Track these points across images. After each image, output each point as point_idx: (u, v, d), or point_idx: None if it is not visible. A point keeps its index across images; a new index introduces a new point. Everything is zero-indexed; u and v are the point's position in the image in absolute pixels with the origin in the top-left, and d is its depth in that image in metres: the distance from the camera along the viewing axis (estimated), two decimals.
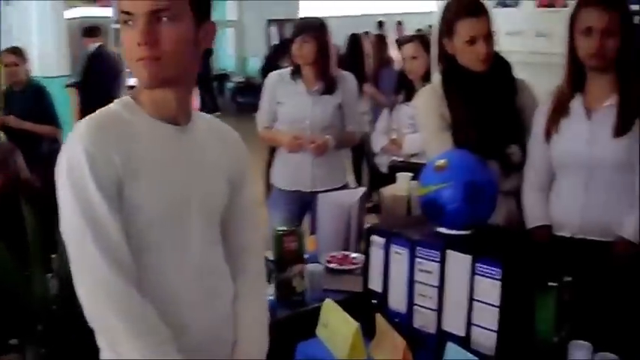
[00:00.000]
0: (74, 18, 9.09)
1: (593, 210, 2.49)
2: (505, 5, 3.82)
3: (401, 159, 4.16)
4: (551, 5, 3.71)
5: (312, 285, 2.68)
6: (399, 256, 2.21)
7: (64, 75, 7.72)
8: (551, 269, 2.09)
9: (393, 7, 11.78)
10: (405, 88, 4.33)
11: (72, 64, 7.91)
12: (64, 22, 8.72)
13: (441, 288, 2.11)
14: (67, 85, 7.05)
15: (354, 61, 6.75)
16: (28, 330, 2.39)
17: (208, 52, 11.07)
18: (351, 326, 2.15)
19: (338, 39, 4.25)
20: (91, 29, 7.20)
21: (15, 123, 5.27)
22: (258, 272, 1.89)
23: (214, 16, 1.71)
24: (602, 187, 2.48)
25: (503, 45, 2.86)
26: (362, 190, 3.38)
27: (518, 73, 2.85)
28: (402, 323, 2.18)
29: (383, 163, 4.49)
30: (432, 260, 2.12)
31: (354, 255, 3.01)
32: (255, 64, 15.23)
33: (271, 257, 2.61)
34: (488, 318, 2.00)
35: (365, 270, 2.36)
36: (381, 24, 10.93)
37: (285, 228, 2.68)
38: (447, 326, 2.10)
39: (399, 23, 11.46)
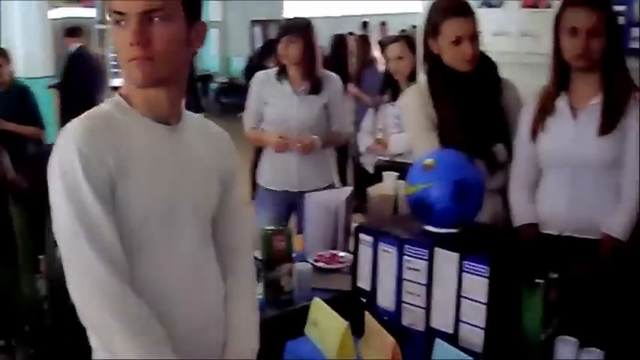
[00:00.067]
0: (58, 18, 9.04)
1: (579, 208, 2.52)
2: (490, 5, 3.85)
3: (387, 158, 4.18)
4: (535, 5, 3.74)
5: (301, 284, 2.69)
6: (388, 254, 2.22)
7: (48, 76, 7.69)
8: (538, 266, 2.10)
9: (377, 8, 11.82)
10: (391, 88, 4.35)
11: (56, 65, 7.87)
12: (49, 22, 8.68)
13: (429, 286, 2.12)
14: (50, 86, 7.01)
15: (338, 62, 6.78)
16: (16, 331, 2.39)
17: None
18: (340, 325, 2.17)
19: (322, 40, 4.26)
20: (72, 29, 7.14)
21: None
22: (248, 272, 1.90)
23: None
24: (588, 185, 2.51)
25: (488, 45, 2.88)
26: (349, 189, 3.39)
27: (503, 73, 2.88)
28: (391, 321, 2.19)
29: (368, 162, 4.51)
30: (421, 258, 2.13)
31: (341, 254, 3.03)
32: (238, 64, 15.22)
33: (259, 257, 2.62)
34: (476, 315, 2.01)
35: (353, 268, 2.38)
36: (365, 24, 10.95)
37: (273, 227, 2.69)
38: (436, 324, 2.11)
39: (383, 24, 11.49)
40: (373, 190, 3.21)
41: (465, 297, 2.04)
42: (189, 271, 1.70)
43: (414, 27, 9.13)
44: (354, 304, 2.34)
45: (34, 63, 8.11)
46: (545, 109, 2.58)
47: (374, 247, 2.27)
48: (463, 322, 2.04)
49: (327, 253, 3.04)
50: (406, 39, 4.37)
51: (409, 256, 2.16)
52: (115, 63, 10.55)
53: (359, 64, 7.13)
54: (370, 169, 4.36)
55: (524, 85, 2.90)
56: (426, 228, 2.25)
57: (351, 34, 8.80)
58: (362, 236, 2.32)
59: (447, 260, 2.07)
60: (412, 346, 2.14)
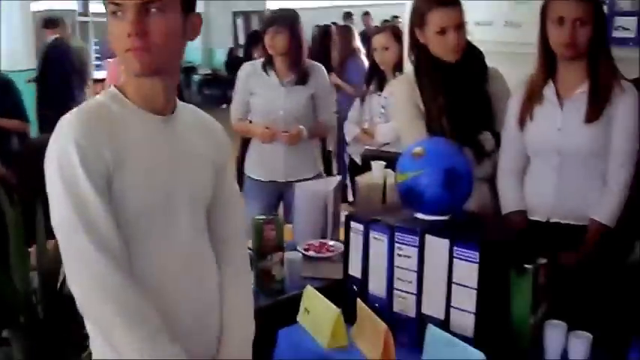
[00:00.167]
0: (40, 11, 8.98)
1: (566, 194, 2.55)
2: None
3: (374, 148, 4.20)
4: None
5: (291, 273, 2.72)
6: (379, 242, 2.25)
7: (31, 69, 7.63)
8: (527, 252, 2.14)
9: None
10: (377, 78, 4.37)
11: (37, 58, 7.82)
12: (30, 15, 8.62)
13: (420, 272, 2.15)
14: (29, 80, 6.94)
15: (323, 53, 6.78)
16: (9, 323, 2.40)
17: None
18: (332, 312, 2.20)
19: (305, 31, 4.27)
20: (49, 20, 7.02)
21: None
22: (242, 260, 1.92)
23: None
24: (575, 172, 2.54)
25: (472, 34, 2.90)
26: (337, 178, 3.43)
27: (487, 62, 2.90)
28: (383, 308, 2.23)
29: (355, 152, 4.53)
30: (411, 245, 2.16)
31: (331, 243, 3.06)
32: (221, 56, 15.17)
33: (250, 246, 2.64)
34: (466, 301, 2.05)
35: (345, 256, 2.40)
36: (348, 15, 10.95)
37: (264, 216, 2.71)
38: (427, 310, 2.14)
39: (366, 14, 11.49)
40: (361, 180, 3.23)
41: (455, 283, 2.07)
42: (186, 261, 1.71)
43: (395, 17, 9.16)
44: (345, 292, 2.37)
45: (16, 56, 8.05)
46: (532, 98, 2.61)
47: (365, 235, 2.30)
48: (454, 307, 2.08)
49: (317, 242, 3.06)
50: (392, 29, 4.39)
51: (400, 243, 2.19)
52: (97, 55, 10.54)
53: (341, 54, 7.13)
54: (357, 159, 4.38)
55: (508, 74, 2.92)
56: (417, 215, 2.28)
57: (334, 24, 8.81)
58: (353, 224, 2.35)
59: (437, 247, 2.11)
60: (403, 332, 2.18)
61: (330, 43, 7.16)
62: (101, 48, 10.60)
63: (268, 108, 3.86)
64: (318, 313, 2.28)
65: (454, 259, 2.07)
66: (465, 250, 2.04)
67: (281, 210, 4.02)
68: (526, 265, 2.09)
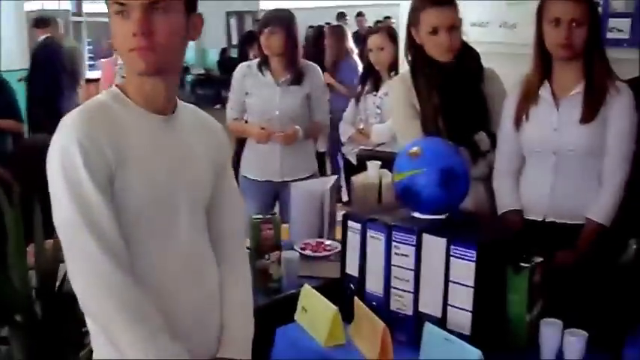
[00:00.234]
0: (33, 11, 8.97)
1: (562, 194, 2.57)
2: None
3: (369, 148, 4.23)
4: None
5: (289, 272, 2.73)
6: (376, 240, 2.26)
7: (24, 68, 7.61)
8: (523, 251, 2.16)
9: None
10: (372, 78, 4.39)
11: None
12: (24, 14, 8.60)
13: (417, 271, 2.16)
14: (20, 79, 6.91)
15: (316, 53, 6.80)
16: (8, 321, 2.41)
17: None
18: (330, 310, 2.21)
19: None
20: (40, 20, 6.98)
21: None
22: (242, 258, 1.93)
23: None
24: (571, 172, 2.56)
25: (467, 35, 2.92)
26: (333, 178, 3.44)
27: (484, 63, 2.92)
28: (380, 306, 2.24)
29: (350, 152, 4.55)
30: (409, 244, 2.17)
31: (327, 242, 3.07)
32: (214, 56, 15.15)
33: (248, 245, 2.66)
34: (463, 299, 2.06)
35: (342, 255, 2.41)
36: (341, 15, 10.96)
37: (261, 216, 2.73)
38: (424, 308, 2.16)
39: (360, 14, 11.50)
40: (357, 179, 3.25)
41: (452, 281, 2.09)
42: (186, 260, 1.72)
43: (387, 18, 9.19)
44: (343, 291, 2.38)
45: (9, 56, 8.03)
46: (528, 98, 2.63)
47: (362, 233, 2.31)
48: (451, 305, 2.10)
49: (314, 241, 3.08)
50: (387, 29, 4.42)
51: (397, 242, 2.21)
52: (91, 55, 10.52)
53: (334, 54, 7.15)
54: (354, 159, 4.40)
55: (503, 74, 2.94)
56: (413, 215, 2.30)
57: (328, 24, 8.82)
58: (350, 223, 2.36)
59: (434, 246, 2.12)
60: (401, 330, 2.19)
61: (323, 44, 7.18)
62: (95, 48, 10.58)
63: (264, 108, 3.88)
64: (315, 312, 2.29)
65: (451, 258, 2.08)
66: (462, 249, 2.05)
67: (276, 209, 4.04)
68: (522, 264, 2.11)
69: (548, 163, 2.59)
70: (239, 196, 1.98)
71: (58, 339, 2.41)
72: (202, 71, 15.40)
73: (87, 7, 10.38)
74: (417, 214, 2.29)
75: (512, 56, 3.31)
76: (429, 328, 2.03)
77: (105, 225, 1.56)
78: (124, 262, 1.57)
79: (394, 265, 2.22)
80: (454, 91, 2.79)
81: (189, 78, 15.32)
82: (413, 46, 2.87)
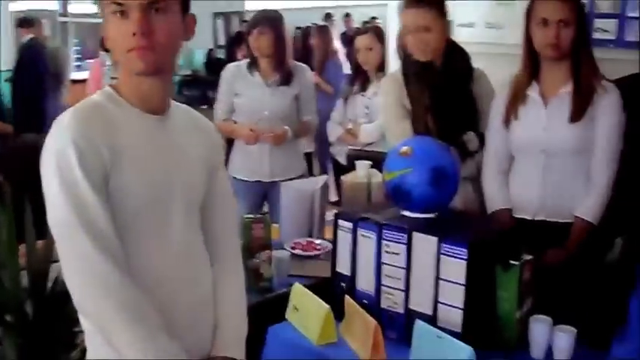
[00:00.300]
0: (20, 11, 8.90)
1: (551, 193, 2.60)
2: None
3: (358, 148, 4.24)
4: None
5: (279, 271, 2.75)
6: (367, 239, 2.28)
7: (9, 69, 7.57)
8: (513, 249, 2.18)
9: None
10: (360, 78, 4.41)
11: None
12: (9, 14, 8.54)
13: (408, 269, 2.19)
14: (6, 80, 6.88)
15: (304, 54, 6.83)
16: (0, 322, 2.40)
17: None
18: (321, 309, 2.23)
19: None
20: (24, 20, 6.94)
21: None
22: (235, 258, 1.94)
23: None
24: (560, 170, 2.59)
25: (455, 36, 2.96)
26: (323, 178, 3.45)
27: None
28: (371, 304, 2.26)
29: (339, 152, 4.56)
30: (399, 242, 2.20)
31: (318, 241, 3.09)
32: (201, 57, 15.10)
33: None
34: (454, 296, 2.09)
35: (333, 254, 2.43)
36: (328, 16, 10.98)
37: (252, 215, 2.74)
38: (415, 305, 2.18)
39: (347, 15, 11.52)
40: (347, 179, 3.26)
41: (443, 279, 2.11)
42: (181, 259, 1.73)
43: (374, 18, 9.20)
44: (333, 289, 2.40)
45: None
46: (516, 98, 2.65)
47: (353, 232, 2.33)
48: (442, 303, 2.12)
49: (304, 240, 3.10)
50: (375, 30, 4.44)
51: (388, 240, 2.23)
52: (78, 56, 10.46)
53: (320, 54, 7.19)
54: (342, 159, 4.42)
55: (490, 74, 2.98)
56: (404, 213, 2.32)
57: (314, 24, 8.84)
58: (341, 222, 2.38)
59: (425, 244, 2.15)
60: (392, 328, 2.21)
61: (310, 45, 7.21)
62: (82, 48, 10.53)
63: (253, 108, 3.89)
64: (307, 310, 2.31)
65: (441, 256, 2.11)
66: (453, 247, 2.08)
67: (265, 209, 4.05)
68: (512, 262, 2.13)
69: (538, 162, 2.62)
70: (232, 196, 1.98)
71: (50, 339, 2.41)
72: (189, 72, 15.35)
73: (73, 8, 10.32)
74: (407, 213, 2.31)
75: (499, 56, 3.34)
76: (420, 325, 2.05)
77: (101, 225, 1.56)
78: (120, 262, 1.58)
79: (385, 264, 2.24)
80: (444, 91, 2.81)
81: (176, 79, 15.27)
82: (402, 46, 2.89)
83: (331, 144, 4.67)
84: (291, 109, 3.92)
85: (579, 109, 2.55)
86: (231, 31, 12.40)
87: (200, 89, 13.97)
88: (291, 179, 3.68)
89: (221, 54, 11.61)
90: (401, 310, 2.21)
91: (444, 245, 2.10)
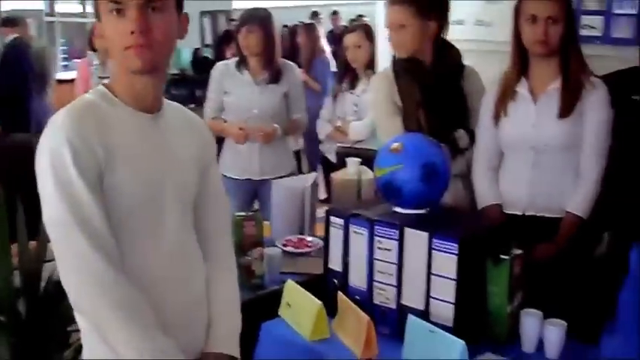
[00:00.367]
0: (5, 11, 8.86)
1: (541, 188, 2.63)
2: None
3: (347, 145, 4.26)
4: None
5: (271, 268, 2.76)
6: (359, 235, 2.30)
7: None
8: (503, 244, 2.20)
9: None
10: (349, 76, 4.42)
11: None
12: None
13: (400, 265, 2.20)
14: None
15: (291, 52, 6.84)
16: None
17: None
18: (314, 305, 2.24)
19: None
20: (8, 19, 6.88)
21: None
22: (228, 255, 1.95)
23: None
24: (549, 166, 2.62)
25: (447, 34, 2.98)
26: (313, 175, 3.47)
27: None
28: (363, 300, 2.27)
29: (328, 150, 4.58)
30: (391, 238, 2.21)
31: (309, 238, 3.10)
32: (188, 55, 15.05)
33: None
34: (446, 291, 2.10)
35: (325, 251, 2.44)
36: (315, 14, 10.99)
37: (244, 213, 2.75)
38: (407, 301, 2.19)
39: (335, 13, 11.53)
40: (336, 176, 3.28)
41: (434, 274, 2.13)
42: (175, 257, 1.73)
43: (361, 16, 9.22)
44: (326, 286, 2.41)
45: None
46: (506, 95, 2.68)
47: (345, 229, 2.34)
48: (433, 298, 2.13)
49: (295, 237, 3.11)
50: (364, 28, 4.46)
51: (380, 236, 2.24)
52: (65, 56, 10.43)
53: (307, 52, 7.21)
54: (331, 157, 4.43)
55: (479, 71, 3.00)
56: (395, 209, 2.33)
57: (301, 23, 8.85)
58: (332, 219, 2.39)
59: (416, 240, 2.16)
60: (384, 323, 2.23)
61: (297, 43, 7.23)
62: (69, 48, 10.50)
63: (242, 107, 3.89)
64: (299, 307, 2.32)
65: (433, 251, 2.12)
66: (444, 243, 2.09)
67: (255, 207, 4.06)
68: (502, 257, 2.15)
69: (527, 158, 2.64)
70: (224, 195, 1.99)
71: (43, 338, 2.41)
72: (177, 71, 15.31)
73: (60, 8, 10.30)
74: (398, 209, 2.33)
75: (488, 54, 3.37)
76: (412, 320, 2.06)
77: (96, 223, 1.57)
78: (115, 260, 1.58)
79: (377, 260, 2.25)
80: (434, 88, 2.83)
81: None
82: None
83: (320, 141, 4.68)
84: (281, 107, 3.93)
85: (568, 105, 2.57)
86: (218, 29, 12.36)
87: (188, 88, 13.93)
88: (281, 177, 3.69)
89: (208, 53, 11.58)
90: (393, 306, 2.22)
91: (435, 241, 2.11)
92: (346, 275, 2.35)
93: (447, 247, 2.09)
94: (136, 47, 1.59)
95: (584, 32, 3.46)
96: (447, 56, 2.89)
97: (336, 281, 2.38)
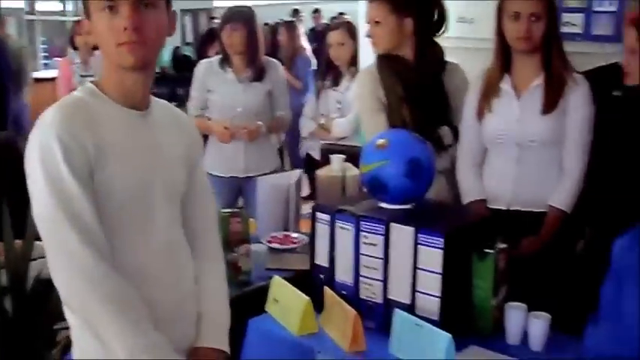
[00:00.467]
0: None
1: (525, 183, 2.66)
2: None
3: (331, 142, 4.28)
4: None
5: (257, 265, 2.77)
6: (345, 231, 2.31)
7: None
8: (488, 238, 2.23)
9: None
10: (332, 73, 4.44)
11: None
12: None
13: (386, 259, 2.22)
14: None
15: (273, 50, 6.86)
16: None
17: None
18: (301, 300, 2.25)
19: None
20: None
21: None
22: (216, 251, 1.97)
23: None
24: (533, 161, 2.65)
25: None
26: (298, 172, 3.48)
27: None
28: (350, 295, 2.29)
29: (311, 147, 4.60)
30: (377, 234, 2.23)
31: (294, 235, 3.12)
32: (168, 54, 15.00)
33: None
34: (431, 285, 2.12)
35: (311, 246, 2.46)
36: (296, 12, 11.00)
37: (229, 210, 2.76)
38: (393, 295, 2.21)
39: (316, 11, 11.55)
40: (321, 173, 3.29)
41: (420, 268, 2.15)
42: (164, 254, 1.75)
43: (341, 14, 9.25)
44: (312, 281, 2.42)
45: None
46: (489, 91, 2.71)
47: (331, 224, 2.36)
48: (419, 292, 2.15)
49: (281, 234, 3.12)
50: (347, 25, 4.48)
51: (366, 232, 2.26)
52: (45, 54, 10.37)
53: (288, 50, 7.23)
54: (315, 154, 4.45)
55: (463, 67, 3.03)
56: (381, 205, 2.35)
57: (282, 20, 8.86)
58: (319, 215, 2.41)
59: (402, 234, 2.18)
60: (371, 317, 2.24)
61: (278, 41, 7.24)
62: (49, 47, 10.45)
63: (226, 105, 3.90)
64: (287, 302, 2.33)
65: (419, 246, 2.14)
66: (430, 237, 2.11)
67: (240, 204, 4.07)
68: (487, 251, 2.18)
69: (511, 154, 2.67)
70: (211, 192, 2.00)
71: (30, 336, 2.42)
72: (157, 70, 15.25)
73: (40, 6, 10.24)
74: (384, 205, 2.35)
75: (470, 51, 3.39)
76: (399, 314, 2.09)
77: (87, 219, 1.57)
78: (106, 256, 1.59)
79: (363, 255, 2.27)
80: (417, 84, 2.86)
81: None
82: None
83: (304, 138, 4.70)
84: (265, 105, 3.94)
85: (551, 101, 2.61)
86: (199, 28, 12.34)
87: (169, 86, 13.89)
88: (265, 174, 3.70)
89: (188, 51, 11.56)
90: (379, 300, 2.24)
91: (421, 235, 2.13)
92: (332, 270, 2.37)
93: (432, 241, 2.11)
94: (129, 44, 1.60)
95: (565, 29, 3.49)
96: (429, 53, 2.91)
97: (322, 276, 2.40)
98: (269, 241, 3.03)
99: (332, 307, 2.25)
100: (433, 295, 2.12)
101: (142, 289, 1.67)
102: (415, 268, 2.15)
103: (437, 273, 2.11)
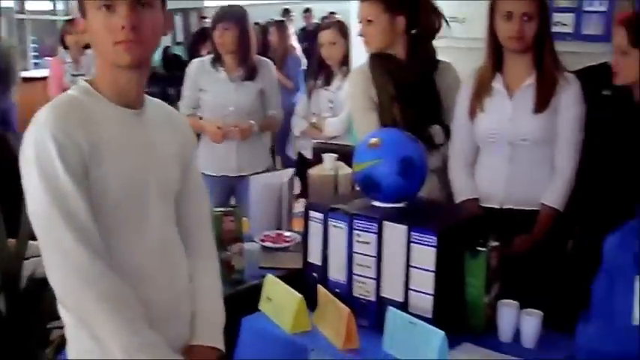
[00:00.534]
0: None
1: (518, 182, 2.68)
2: None
3: (322, 141, 4.28)
4: None
5: (250, 263, 2.78)
6: (338, 229, 2.32)
7: None
8: (480, 236, 2.24)
9: None
10: (324, 73, 4.45)
11: None
12: None
13: (379, 258, 2.23)
14: None
15: (263, 50, 6.86)
16: None
17: None
18: (294, 298, 2.26)
19: None
20: None
21: None
22: (210, 250, 1.98)
23: None
24: (525, 160, 2.67)
25: None
26: (290, 171, 3.49)
27: None
28: (343, 293, 2.30)
29: (303, 146, 4.60)
30: (370, 232, 2.24)
31: (287, 233, 3.13)
32: (158, 53, 14.97)
33: None
34: (424, 283, 2.14)
35: (304, 245, 2.47)
36: (286, 11, 10.99)
37: (222, 209, 2.77)
38: (386, 293, 2.22)
39: (307, 10, 11.54)
40: (313, 172, 3.30)
41: (413, 266, 2.16)
42: (159, 252, 1.75)
43: (332, 13, 9.25)
44: (305, 279, 2.43)
45: None
46: (481, 90, 2.72)
47: (324, 223, 2.37)
48: (412, 290, 2.17)
49: (273, 233, 3.13)
50: (339, 25, 4.49)
51: (359, 230, 2.27)
52: (35, 54, 10.34)
53: (279, 50, 7.23)
54: (307, 153, 4.46)
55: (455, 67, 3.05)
56: (374, 203, 2.36)
57: (272, 20, 8.85)
58: (312, 213, 2.41)
59: (395, 233, 2.19)
60: (364, 315, 2.25)
61: (269, 40, 7.24)
62: (39, 46, 10.42)
63: (218, 104, 3.91)
64: (280, 300, 2.34)
65: (412, 244, 2.15)
66: (423, 235, 2.13)
67: (232, 203, 4.07)
68: (479, 249, 2.19)
69: (503, 153, 2.69)
70: (204, 190, 2.01)
71: (24, 336, 2.42)
72: None
73: (30, 5, 10.21)
74: (377, 203, 2.36)
75: (462, 50, 3.40)
76: (392, 312, 2.10)
77: (81, 217, 1.58)
78: (101, 254, 1.60)
79: (356, 253, 2.28)
80: (409, 83, 2.87)
81: None
82: None
83: (296, 137, 4.70)
84: (257, 104, 3.95)
85: (543, 100, 2.63)
86: (190, 27, 12.30)
87: (159, 86, 13.86)
88: (257, 173, 3.70)
89: (179, 50, 11.53)
90: (373, 298, 2.25)
91: (414, 233, 2.15)
92: (326, 269, 2.38)
93: (425, 239, 2.12)
94: (126, 42, 1.61)
95: (556, 29, 3.51)
96: (421, 51, 2.93)
97: (315, 275, 2.40)
98: (262, 240, 3.04)
99: (325, 305, 2.26)
100: (426, 293, 2.13)
101: (137, 287, 1.67)
102: (408, 266, 2.17)
103: (430, 271, 2.12)
